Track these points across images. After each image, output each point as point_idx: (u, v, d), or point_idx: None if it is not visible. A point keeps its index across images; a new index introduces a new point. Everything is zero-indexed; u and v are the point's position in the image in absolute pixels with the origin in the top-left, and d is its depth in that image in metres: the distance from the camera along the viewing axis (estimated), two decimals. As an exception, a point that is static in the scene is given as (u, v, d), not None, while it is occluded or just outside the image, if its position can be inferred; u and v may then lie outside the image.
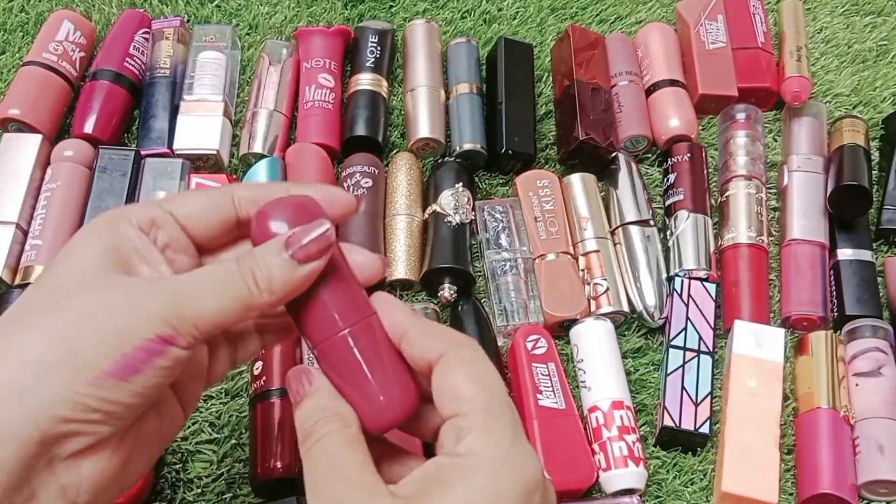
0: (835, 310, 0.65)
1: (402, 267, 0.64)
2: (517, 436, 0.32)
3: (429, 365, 0.34)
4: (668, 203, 0.68)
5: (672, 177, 0.69)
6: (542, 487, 0.32)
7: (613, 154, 0.69)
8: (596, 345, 0.60)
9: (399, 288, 0.65)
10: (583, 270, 0.65)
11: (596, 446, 0.57)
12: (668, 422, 0.58)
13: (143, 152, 0.67)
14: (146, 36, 0.73)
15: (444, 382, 0.33)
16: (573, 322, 0.62)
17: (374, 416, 0.34)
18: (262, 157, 0.68)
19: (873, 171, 0.69)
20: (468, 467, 0.31)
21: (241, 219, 0.36)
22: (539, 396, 0.57)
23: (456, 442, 0.32)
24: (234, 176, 0.68)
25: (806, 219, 0.67)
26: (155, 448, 0.36)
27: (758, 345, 0.60)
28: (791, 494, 0.58)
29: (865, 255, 0.66)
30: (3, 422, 0.29)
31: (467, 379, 0.33)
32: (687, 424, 0.58)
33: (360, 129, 0.69)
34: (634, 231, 0.66)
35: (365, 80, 0.71)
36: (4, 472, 0.29)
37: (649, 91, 0.73)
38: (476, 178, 0.70)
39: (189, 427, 0.57)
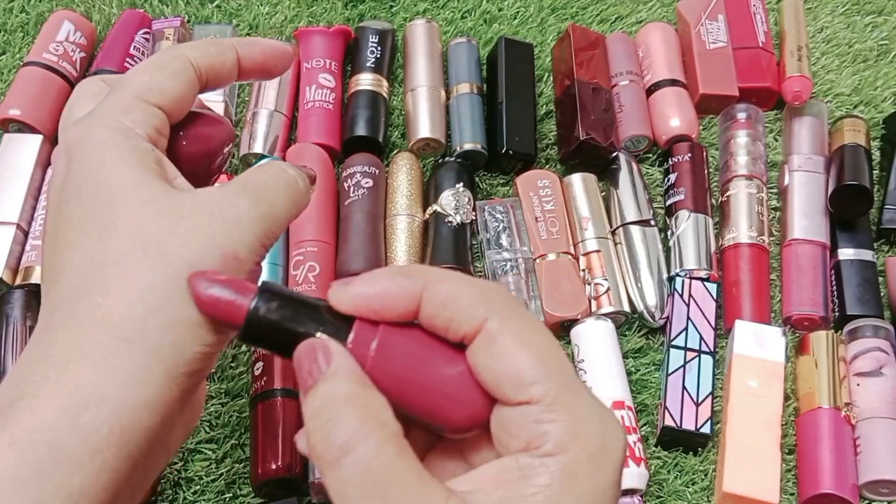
0: (836, 309, 0.65)
1: (402, 267, 0.64)
2: (600, 410, 0.27)
3: (462, 337, 0.28)
4: (668, 203, 0.68)
5: (673, 177, 0.69)
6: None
7: (614, 154, 0.69)
8: (597, 345, 0.60)
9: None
10: (583, 270, 0.65)
11: (597, 446, 0.57)
12: (668, 422, 0.58)
13: (143, 153, 0.67)
14: (146, 36, 0.73)
15: (497, 363, 0.27)
16: (574, 322, 0.62)
17: (461, 409, 0.28)
18: (263, 157, 0.68)
19: (874, 171, 0.69)
20: (569, 469, 0.26)
21: (202, 83, 0.34)
22: (540, 396, 0.57)
23: (539, 437, 0.26)
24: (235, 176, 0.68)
25: (807, 219, 0.67)
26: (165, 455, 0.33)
27: (759, 345, 0.60)
28: (792, 494, 0.58)
29: (866, 254, 0.66)
30: (151, 377, 0.28)
31: (527, 355, 0.27)
32: (688, 424, 0.58)
33: (361, 130, 0.69)
34: (635, 231, 0.66)
35: (365, 81, 0.71)
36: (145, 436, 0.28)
37: (650, 91, 0.73)
38: (476, 179, 0.70)
39: (190, 427, 0.57)
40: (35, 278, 0.60)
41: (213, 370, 0.60)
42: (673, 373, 0.60)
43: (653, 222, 0.67)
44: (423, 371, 0.28)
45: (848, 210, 0.66)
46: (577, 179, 0.68)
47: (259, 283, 0.29)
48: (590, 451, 0.26)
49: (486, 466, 0.28)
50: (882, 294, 0.65)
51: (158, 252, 0.28)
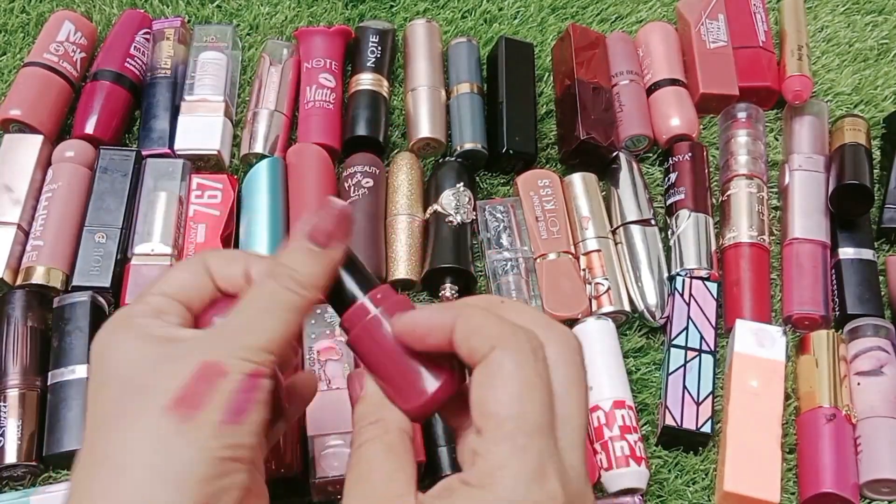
0: (836, 309, 0.65)
1: (403, 267, 0.64)
2: (538, 473, 0.29)
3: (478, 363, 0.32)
4: (669, 202, 0.68)
5: (673, 176, 0.69)
6: None
7: (614, 153, 0.69)
8: (597, 344, 0.60)
9: (400, 288, 0.65)
10: (584, 270, 0.65)
11: (598, 446, 0.57)
12: (669, 421, 0.58)
13: (144, 153, 0.67)
14: (147, 36, 0.73)
15: (476, 390, 0.31)
16: (574, 321, 0.62)
17: (408, 400, 0.34)
18: (263, 157, 0.68)
19: (874, 170, 0.69)
20: (477, 501, 0.29)
21: (222, 291, 0.36)
22: (540, 396, 0.57)
23: (471, 465, 0.30)
24: (235, 176, 0.68)
25: (807, 218, 0.67)
26: None
27: (759, 344, 0.60)
28: (793, 494, 0.58)
29: (867, 254, 0.66)
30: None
31: (499, 392, 0.30)
32: (688, 424, 0.58)
33: (361, 129, 0.69)
34: (636, 230, 0.66)
35: (366, 80, 0.71)
36: None
37: (650, 90, 0.73)
38: (477, 178, 0.70)
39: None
40: (36, 278, 0.60)
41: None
42: (673, 372, 0.60)
43: (653, 222, 0.67)
44: (398, 352, 0.34)
45: (848, 209, 0.66)
46: (577, 179, 0.68)
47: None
48: (499, 498, 0.29)
49: (443, 480, 0.32)
50: (882, 293, 0.65)
51: (140, 388, 0.32)
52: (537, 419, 0.30)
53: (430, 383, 0.33)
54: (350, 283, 0.35)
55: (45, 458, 0.55)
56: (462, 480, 0.30)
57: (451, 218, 0.65)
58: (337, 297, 0.35)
